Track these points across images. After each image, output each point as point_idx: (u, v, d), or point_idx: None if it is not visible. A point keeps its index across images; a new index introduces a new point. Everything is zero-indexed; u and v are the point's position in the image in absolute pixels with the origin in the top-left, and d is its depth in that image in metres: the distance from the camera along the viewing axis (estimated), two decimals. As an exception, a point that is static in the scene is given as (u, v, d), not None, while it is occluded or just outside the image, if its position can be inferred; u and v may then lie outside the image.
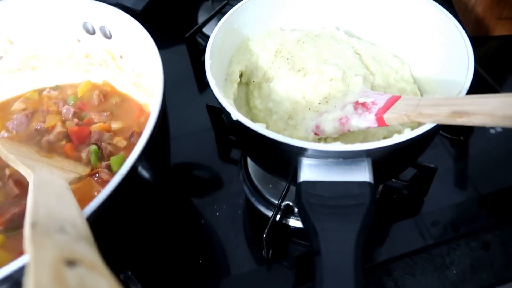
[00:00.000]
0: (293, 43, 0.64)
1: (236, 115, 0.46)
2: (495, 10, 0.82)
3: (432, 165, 0.60)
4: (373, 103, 0.48)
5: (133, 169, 0.40)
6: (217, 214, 0.66)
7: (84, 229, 0.29)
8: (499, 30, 0.85)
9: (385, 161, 0.46)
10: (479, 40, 0.85)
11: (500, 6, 0.81)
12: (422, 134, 0.42)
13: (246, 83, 0.65)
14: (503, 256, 0.59)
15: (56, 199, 0.34)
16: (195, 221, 0.65)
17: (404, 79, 0.61)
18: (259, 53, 0.63)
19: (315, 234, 0.38)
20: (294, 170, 0.45)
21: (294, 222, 0.63)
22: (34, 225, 0.27)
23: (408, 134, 0.41)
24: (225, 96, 0.49)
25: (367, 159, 0.43)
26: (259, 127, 0.44)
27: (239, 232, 0.64)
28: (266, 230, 0.56)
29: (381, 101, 0.47)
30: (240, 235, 0.64)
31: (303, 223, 0.43)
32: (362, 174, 0.42)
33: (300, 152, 0.43)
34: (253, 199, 0.66)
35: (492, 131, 0.72)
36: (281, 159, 0.49)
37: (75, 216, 0.30)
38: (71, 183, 0.49)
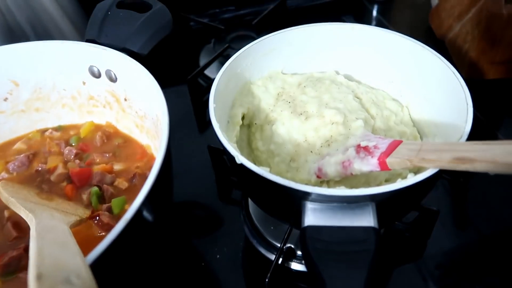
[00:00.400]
0: (294, 87, 0.65)
1: (240, 158, 0.46)
2: (488, 55, 0.84)
3: (434, 208, 0.60)
4: (375, 147, 0.49)
5: (137, 214, 0.39)
6: (218, 256, 0.65)
7: (89, 280, 0.29)
8: (493, 73, 0.87)
9: (388, 205, 0.46)
10: (474, 83, 0.87)
11: (493, 51, 0.83)
12: (425, 179, 0.42)
13: (248, 125, 0.66)
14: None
15: (60, 247, 0.33)
16: (196, 263, 0.64)
17: (404, 122, 0.62)
18: (261, 96, 0.64)
19: (322, 281, 0.37)
20: (297, 213, 0.45)
21: (296, 265, 0.62)
22: (39, 277, 0.26)
23: (412, 179, 0.42)
24: (228, 139, 0.49)
25: (371, 204, 0.43)
26: (263, 171, 0.44)
27: (239, 276, 0.63)
28: (268, 275, 0.55)
29: (383, 145, 0.48)
30: (241, 279, 0.62)
31: (308, 269, 0.42)
32: (367, 218, 0.42)
33: (304, 196, 0.43)
34: (254, 241, 0.65)
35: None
36: (285, 202, 0.49)
37: (80, 266, 0.30)
38: (72, 226, 0.48)
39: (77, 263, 0.31)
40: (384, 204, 0.44)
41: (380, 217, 0.43)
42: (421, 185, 0.43)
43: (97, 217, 0.55)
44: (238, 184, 0.74)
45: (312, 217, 0.43)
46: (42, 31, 0.97)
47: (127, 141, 0.67)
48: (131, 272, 0.48)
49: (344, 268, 0.38)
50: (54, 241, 0.35)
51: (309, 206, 0.44)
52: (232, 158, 0.47)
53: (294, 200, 0.45)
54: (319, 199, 0.43)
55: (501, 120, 0.83)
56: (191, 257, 0.65)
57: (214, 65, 0.94)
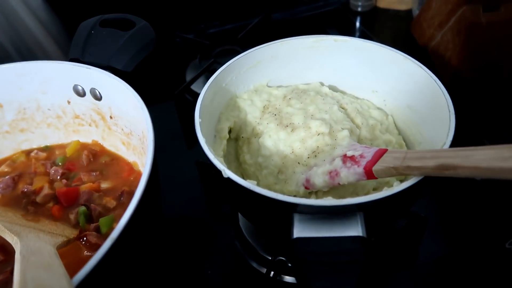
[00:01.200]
0: (280, 100, 0.66)
1: (227, 172, 0.46)
2: (469, 62, 0.86)
3: (422, 215, 0.60)
4: (361, 156, 0.49)
5: (124, 232, 0.39)
6: (209, 272, 0.64)
7: (75, 302, 0.28)
8: (475, 80, 0.89)
9: (376, 213, 0.46)
10: (458, 89, 0.88)
11: (474, 58, 0.85)
12: (411, 186, 0.42)
13: (235, 139, 0.66)
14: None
15: (45, 270, 0.32)
16: (187, 279, 0.63)
17: (389, 131, 0.63)
18: (247, 109, 0.64)
19: (312, 293, 0.37)
20: (286, 226, 0.45)
21: (288, 278, 0.61)
22: (22, 301, 0.26)
23: (398, 187, 0.42)
24: (215, 153, 0.49)
25: (359, 213, 0.43)
26: (250, 184, 0.44)
27: (232, 291, 0.62)
28: (260, 289, 0.55)
29: (369, 154, 0.48)
30: (233, 295, 0.62)
31: (298, 280, 0.42)
32: (355, 228, 0.42)
33: (292, 208, 0.43)
34: (245, 255, 0.65)
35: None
36: (273, 214, 0.49)
37: (65, 288, 0.29)
38: (59, 247, 0.48)
39: (62, 286, 0.30)
40: (372, 213, 0.44)
41: (368, 226, 0.43)
42: (408, 193, 0.43)
43: (85, 238, 0.54)
44: (227, 199, 0.74)
45: (301, 228, 0.43)
46: (25, 52, 0.97)
47: (114, 159, 0.67)
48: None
49: (334, 279, 0.38)
50: (39, 263, 0.35)
51: (298, 217, 0.44)
52: (219, 172, 0.47)
53: (283, 212, 0.45)
54: (307, 211, 0.43)
55: (486, 125, 0.84)
56: (181, 273, 0.65)
57: (200, 80, 0.94)
